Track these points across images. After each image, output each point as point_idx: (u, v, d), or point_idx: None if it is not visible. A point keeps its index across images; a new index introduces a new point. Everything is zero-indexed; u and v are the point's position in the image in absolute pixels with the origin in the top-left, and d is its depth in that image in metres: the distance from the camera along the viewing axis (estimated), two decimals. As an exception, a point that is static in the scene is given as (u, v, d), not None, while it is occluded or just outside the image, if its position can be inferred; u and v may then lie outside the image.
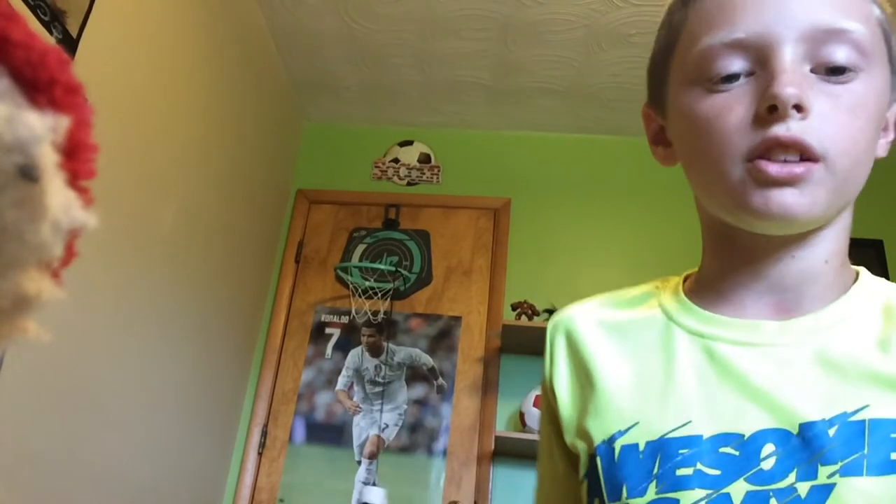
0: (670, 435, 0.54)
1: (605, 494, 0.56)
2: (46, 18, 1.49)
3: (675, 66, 0.60)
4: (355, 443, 2.72)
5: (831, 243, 0.58)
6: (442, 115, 3.18)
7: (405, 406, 2.76)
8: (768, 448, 0.50)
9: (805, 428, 0.49)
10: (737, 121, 0.53)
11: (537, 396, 2.44)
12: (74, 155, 0.28)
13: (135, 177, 1.89)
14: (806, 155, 0.51)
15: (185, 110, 2.15)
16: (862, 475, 0.46)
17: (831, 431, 0.48)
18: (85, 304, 1.70)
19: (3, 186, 0.24)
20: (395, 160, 3.21)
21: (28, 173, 0.24)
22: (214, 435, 2.56)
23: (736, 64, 0.54)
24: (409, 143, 3.24)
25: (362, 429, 2.74)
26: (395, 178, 3.17)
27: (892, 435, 0.47)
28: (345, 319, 2.92)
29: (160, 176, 2.02)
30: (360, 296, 2.89)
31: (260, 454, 2.75)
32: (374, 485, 2.61)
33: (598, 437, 0.58)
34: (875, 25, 0.55)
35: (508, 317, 2.76)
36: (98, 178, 0.29)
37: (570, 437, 0.62)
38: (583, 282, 2.89)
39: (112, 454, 1.87)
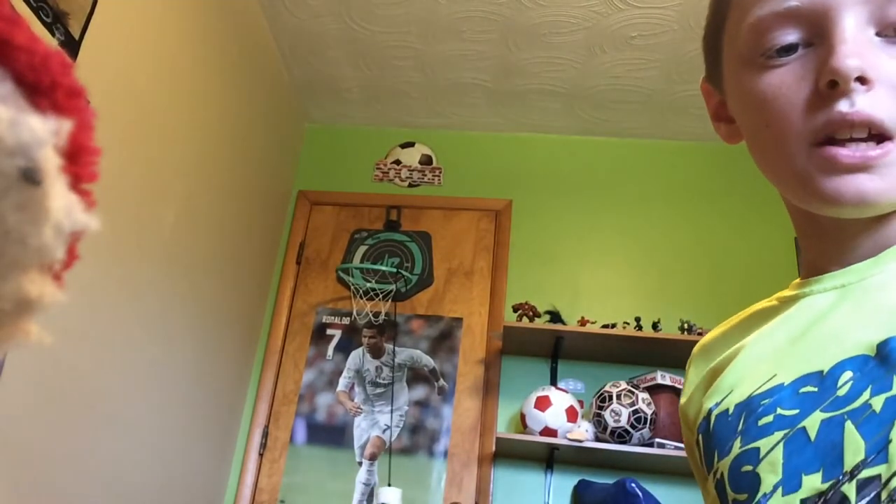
0: (756, 392, 0.52)
1: (705, 467, 0.55)
2: (49, 20, 1.49)
3: (728, 40, 0.56)
4: (356, 444, 2.72)
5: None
6: (443, 116, 3.19)
7: (406, 407, 2.76)
8: (846, 376, 0.47)
9: (882, 346, 0.46)
10: (798, 100, 0.49)
11: (538, 398, 2.44)
12: (76, 158, 0.28)
13: (136, 179, 1.89)
14: (876, 130, 0.47)
15: (186, 112, 2.15)
16: None
17: None
18: (86, 306, 1.71)
19: (6, 190, 0.24)
20: (397, 162, 3.21)
21: (30, 176, 0.24)
22: (215, 436, 2.57)
23: (791, 35, 0.50)
24: (410, 144, 3.25)
25: (363, 430, 2.74)
26: (397, 180, 3.17)
27: None
28: (346, 321, 2.92)
29: (162, 178, 2.02)
30: (361, 297, 2.89)
31: (261, 455, 2.75)
32: (388, 485, 2.61)
33: (700, 419, 0.57)
34: None
35: (510, 318, 2.76)
36: (100, 181, 0.29)
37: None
38: (584, 283, 2.89)
39: (113, 455, 1.87)
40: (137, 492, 2.01)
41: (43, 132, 0.25)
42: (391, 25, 2.67)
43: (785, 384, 0.51)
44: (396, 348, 2.85)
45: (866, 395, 0.45)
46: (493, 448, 2.61)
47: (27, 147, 0.24)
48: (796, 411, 0.49)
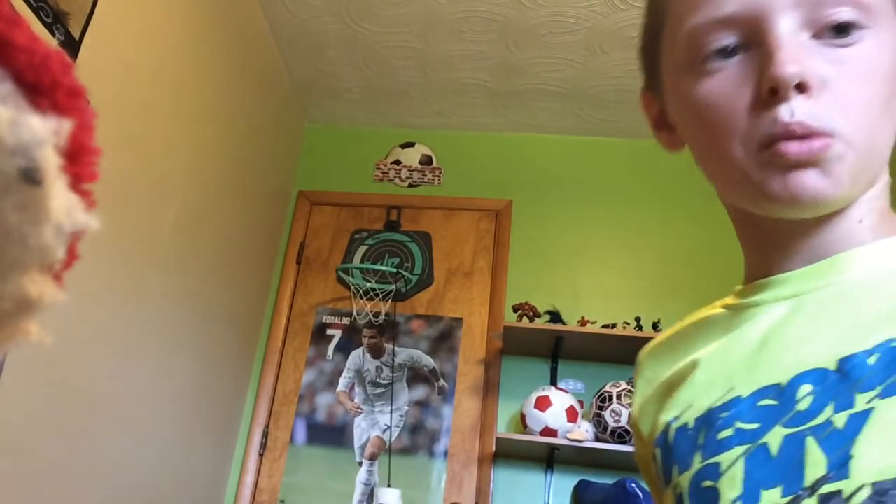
0: (714, 405, 0.52)
1: (663, 480, 0.55)
2: (49, 20, 1.49)
3: (665, 48, 0.56)
4: (356, 444, 2.72)
5: (865, 204, 0.53)
6: (443, 116, 3.19)
7: (406, 407, 2.76)
8: (804, 389, 0.47)
9: (843, 362, 0.46)
10: (740, 104, 0.49)
11: (538, 398, 2.44)
12: (77, 158, 0.28)
13: (136, 179, 1.89)
14: (817, 133, 0.47)
15: (187, 112, 2.15)
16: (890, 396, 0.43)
17: (871, 360, 0.45)
18: (87, 306, 1.71)
19: (6, 189, 0.24)
20: (397, 162, 3.21)
21: (31, 176, 0.24)
22: (216, 436, 2.57)
23: (728, 38, 0.50)
24: (410, 144, 3.25)
25: (363, 430, 2.74)
26: (397, 180, 3.17)
27: None
28: (346, 321, 2.92)
29: (162, 178, 2.02)
30: (361, 297, 2.89)
31: (261, 455, 2.75)
32: (388, 486, 2.61)
33: (657, 433, 0.57)
34: None
35: (510, 318, 2.76)
36: (100, 181, 0.29)
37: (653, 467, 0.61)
38: (584, 283, 2.89)
39: (113, 455, 1.87)
40: (137, 491, 2.01)
41: (43, 132, 0.25)
42: (391, 25, 2.67)
43: (743, 397, 0.51)
44: (396, 348, 2.85)
45: (828, 411, 0.45)
46: (493, 448, 2.61)
47: (27, 147, 0.24)
48: (757, 425, 0.48)
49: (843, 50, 0.48)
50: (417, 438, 2.71)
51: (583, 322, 2.64)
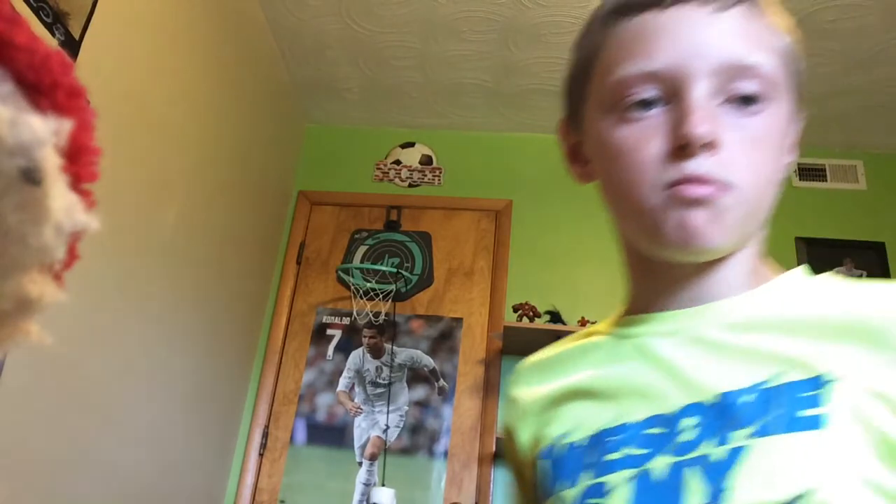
0: (605, 428, 0.57)
1: (541, 491, 0.60)
2: (49, 20, 1.49)
3: (592, 88, 0.61)
4: (356, 444, 2.72)
5: (743, 255, 0.59)
6: (443, 116, 3.19)
7: (406, 407, 2.76)
8: (688, 422, 0.52)
9: (723, 398, 0.51)
10: (652, 154, 0.54)
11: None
12: (77, 158, 0.28)
13: (136, 179, 1.89)
14: (718, 186, 0.53)
15: (187, 112, 2.15)
16: (771, 435, 0.48)
17: (747, 399, 0.50)
18: (87, 306, 1.71)
19: (6, 189, 0.24)
20: (397, 162, 3.21)
21: (31, 176, 0.24)
22: (216, 436, 2.57)
23: (650, 91, 0.55)
24: (410, 144, 3.25)
25: (363, 430, 2.74)
26: (397, 180, 3.17)
27: (799, 395, 0.49)
28: (346, 321, 2.92)
29: (162, 178, 2.02)
30: (361, 297, 2.89)
31: (261, 455, 2.75)
32: (382, 485, 2.61)
33: (544, 444, 0.62)
34: (782, 55, 0.57)
35: (510, 318, 2.76)
36: (100, 181, 0.29)
37: (530, 472, 0.65)
38: (584, 283, 2.89)
39: (113, 455, 1.87)
40: (137, 491, 2.01)
41: (43, 132, 0.25)
42: (391, 25, 2.67)
43: (631, 423, 0.55)
44: (396, 348, 2.85)
45: (708, 444, 0.50)
46: (493, 448, 2.61)
47: (27, 147, 0.24)
48: (644, 451, 0.53)
49: (747, 118, 0.54)
50: (417, 438, 2.71)
51: (583, 322, 2.64)
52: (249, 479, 2.70)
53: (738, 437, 0.49)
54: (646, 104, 0.55)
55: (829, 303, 0.55)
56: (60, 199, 0.26)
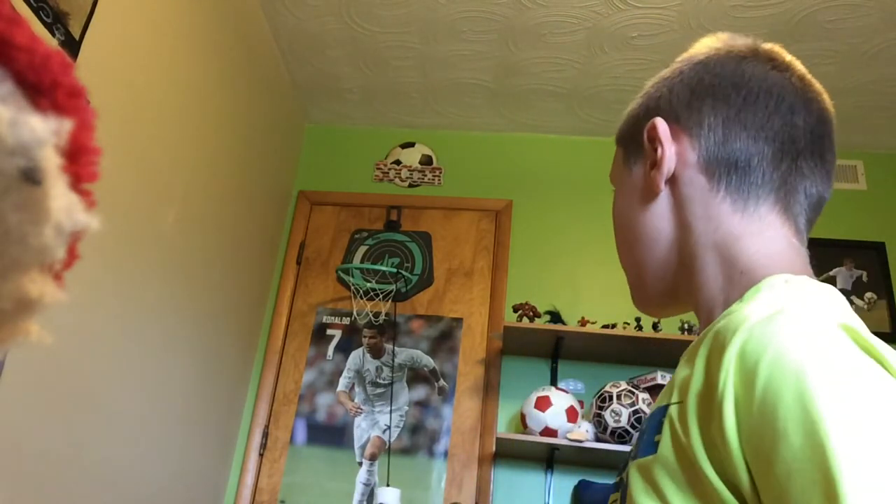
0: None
1: None
2: (49, 20, 1.49)
3: None
4: (356, 444, 2.72)
5: (704, 295, 0.64)
6: (443, 116, 3.19)
7: (406, 408, 2.76)
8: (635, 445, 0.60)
9: (647, 419, 0.58)
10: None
11: (538, 398, 2.44)
12: (77, 158, 0.28)
13: (137, 179, 1.89)
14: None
15: (187, 112, 2.15)
16: (637, 458, 0.53)
17: (644, 426, 0.56)
18: (87, 306, 1.71)
19: (6, 189, 0.24)
20: (397, 162, 3.21)
21: (31, 176, 0.24)
22: (216, 436, 2.57)
23: None
24: (410, 144, 3.25)
25: (363, 430, 2.74)
26: (397, 180, 3.17)
27: (657, 420, 0.53)
28: (346, 321, 2.92)
29: (162, 178, 2.02)
30: (361, 297, 2.89)
31: (261, 455, 2.75)
32: (387, 485, 2.61)
33: None
34: (625, 139, 0.72)
35: (510, 318, 2.76)
36: (100, 181, 0.29)
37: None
38: (584, 283, 2.89)
39: (113, 455, 1.87)
40: (137, 491, 2.01)
41: (43, 132, 0.25)
42: (391, 25, 2.67)
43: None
44: (396, 348, 2.85)
45: (630, 466, 0.56)
46: (494, 448, 2.61)
47: (27, 147, 0.24)
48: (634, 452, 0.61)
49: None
50: (418, 438, 2.71)
51: (583, 322, 2.64)
52: (249, 479, 2.70)
53: (631, 462, 0.55)
54: None
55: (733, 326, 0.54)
56: (60, 199, 0.26)
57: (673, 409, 0.51)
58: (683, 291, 0.66)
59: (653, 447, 0.51)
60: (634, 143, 0.69)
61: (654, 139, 0.66)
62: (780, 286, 0.55)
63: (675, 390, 0.53)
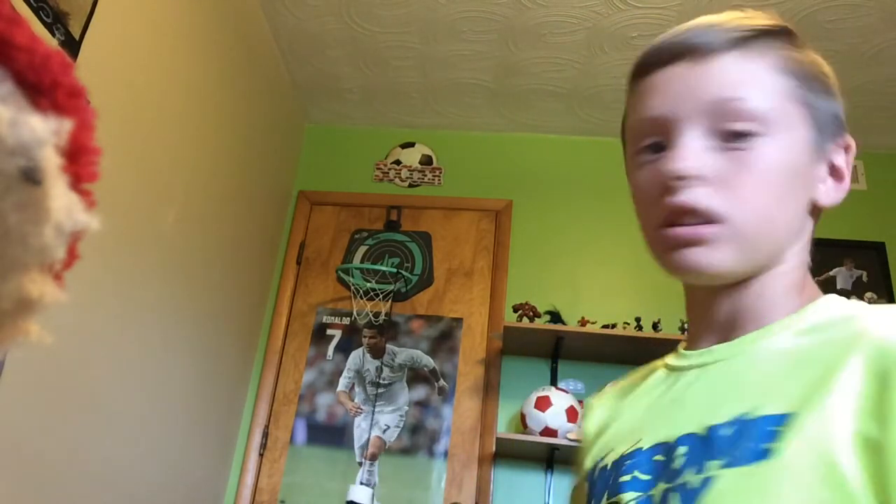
0: (625, 452, 0.63)
1: None
2: (49, 20, 1.49)
3: (625, 137, 0.70)
4: (356, 444, 2.72)
5: (772, 280, 0.62)
6: (444, 116, 3.19)
7: (406, 408, 2.76)
8: (680, 450, 0.57)
9: (711, 430, 0.56)
10: (652, 193, 0.61)
11: (538, 398, 2.44)
12: (77, 158, 0.28)
13: (137, 179, 1.89)
14: (707, 218, 0.58)
15: (187, 112, 2.15)
16: (736, 466, 0.51)
17: (729, 431, 0.54)
18: (87, 306, 1.71)
19: (6, 189, 0.24)
20: (397, 162, 3.21)
21: (31, 176, 0.24)
22: (216, 436, 2.57)
23: (652, 138, 0.62)
24: (410, 144, 3.25)
25: (363, 430, 2.74)
26: (397, 180, 3.17)
27: (769, 428, 0.51)
28: (346, 321, 2.92)
29: (162, 178, 2.02)
30: (361, 297, 2.89)
31: (261, 455, 2.75)
32: (373, 485, 2.61)
33: (589, 467, 0.69)
34: (781, 93, 0.60)
35: (510, 318, 2.76)
36: (100, 181, 0.29)
37: None
38: (584, 283, 2.89)
39: (113, 455, 1.87)
40: (137, 492, 2.01)
41: (43, 132, 0.25)
42: (391, 25, 2.67)
43: (643, 449, 0.61)
44: (396, 348, 2.85)
45: (689, 472, 0.54)
46: (494, 448, 2.61)
47: (27, 147, 0.24)
48: (649, 477, 0.58)
49: (741, 153, 0.58)
50: (417, 438, 2.71)
51: (583, 322, 2.64)
52: (249, 479, 2.70)
53: (712, 467, 0.53)
54: (651, 149, 0.62)
55: (834, 337, 0.56)
56: (60, 199, 0.26)
57: (808, 420, 0.50)
58: (767, 275, 0.62)
59: (762, 454, 0.50)
60: (824, 120, 0.63)
61: (848, 147, 0.64)
62: (837, 301, 0.61)
63: (796, 395, 0.52)
